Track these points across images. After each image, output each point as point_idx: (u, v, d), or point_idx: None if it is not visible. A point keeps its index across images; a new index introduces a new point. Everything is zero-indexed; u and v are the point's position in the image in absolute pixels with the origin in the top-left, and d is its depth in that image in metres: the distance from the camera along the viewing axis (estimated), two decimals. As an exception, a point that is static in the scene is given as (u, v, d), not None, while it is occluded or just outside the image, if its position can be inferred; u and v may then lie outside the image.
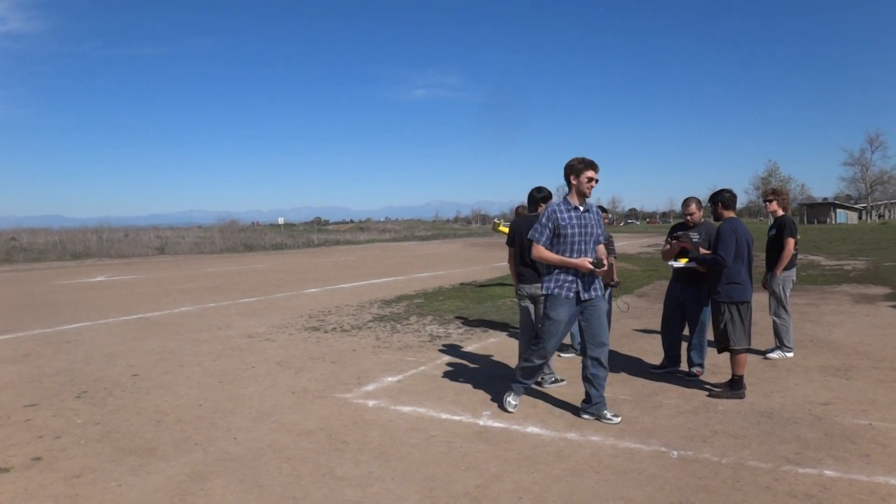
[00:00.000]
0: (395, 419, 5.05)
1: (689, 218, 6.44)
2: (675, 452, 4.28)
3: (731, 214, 5.75)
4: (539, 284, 5.83)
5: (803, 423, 4.82)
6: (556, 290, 4.97)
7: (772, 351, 7.02)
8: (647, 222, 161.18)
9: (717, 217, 5.85)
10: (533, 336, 5.89)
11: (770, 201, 7.05)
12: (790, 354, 6.95)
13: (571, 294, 4.96)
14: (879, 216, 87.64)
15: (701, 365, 6.25)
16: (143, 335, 9.04)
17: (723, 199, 5.72)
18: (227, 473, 4.04)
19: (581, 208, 4.98)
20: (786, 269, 6.93)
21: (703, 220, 6.48)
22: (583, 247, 4.95)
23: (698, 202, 6.48)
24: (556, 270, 4.99)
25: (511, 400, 5.23)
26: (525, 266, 5.93)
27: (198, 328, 9.53)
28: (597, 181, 4.96)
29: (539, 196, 6.05)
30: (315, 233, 59.52)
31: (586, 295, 4.98)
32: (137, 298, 13.99)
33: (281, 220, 58.47)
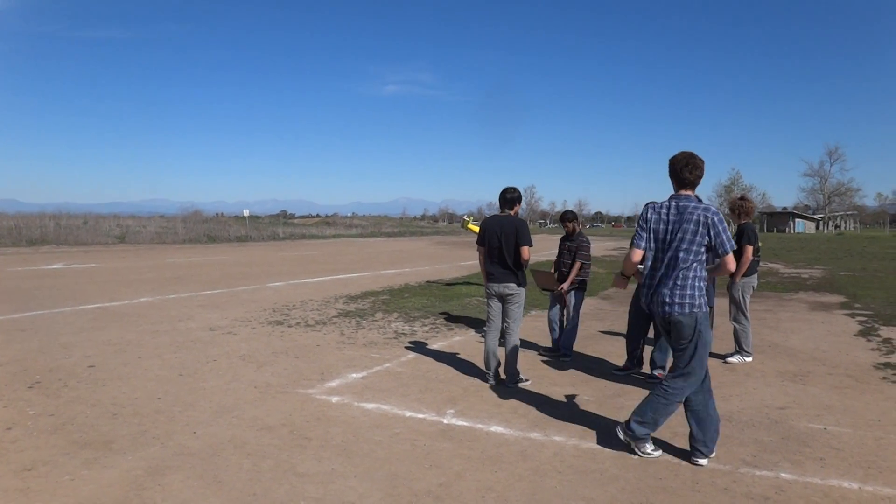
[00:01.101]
0: (358, 416, 5.01)
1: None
2: (637, 453, 4.32)
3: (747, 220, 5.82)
4: (508, 283, 5.87)
5: (761, 426, 4.92)
6: (706, 306, 4.31)
7: (731, 355, 7.16)
8: (613, 226, 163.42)
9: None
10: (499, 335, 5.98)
11: (736, 210, 7.19)
12: (749, 359, 7.11)
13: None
14: (836, 227, 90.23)
15: (663, 367, 6.35)
16: (100, 325, 8.81)
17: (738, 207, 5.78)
18: (186, 468, 3.95)
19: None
20: (746, 275, 7.08)
21: None
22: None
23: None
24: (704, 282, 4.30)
25: (648, 449, 4.30)
26: (494, 265, 5.97)
27: (158, 319, 9.33)
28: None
29: (511, 196, 6.08)
30: (280, 226, 58.84)
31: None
32: (95, 287, 13.63)
33: (246, 213, 57.70)
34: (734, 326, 7.15)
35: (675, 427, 4.73)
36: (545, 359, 7.17)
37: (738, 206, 7.18)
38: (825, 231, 78.90)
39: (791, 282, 16.36)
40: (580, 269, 7.12)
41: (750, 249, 6.95)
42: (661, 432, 4.60)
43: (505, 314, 6.07)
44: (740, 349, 7.14)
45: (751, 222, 7.27)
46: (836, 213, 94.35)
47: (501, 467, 4.06)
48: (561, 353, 7.26)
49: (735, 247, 4.44)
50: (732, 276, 7.05)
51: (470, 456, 4.23)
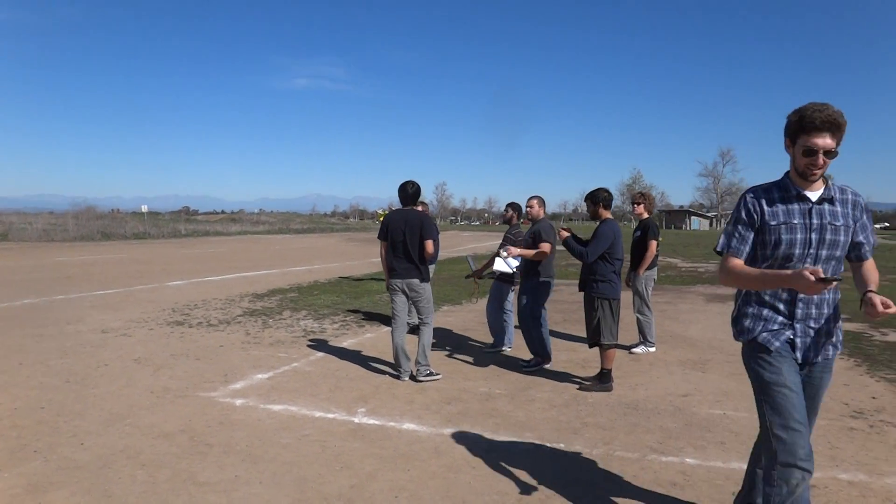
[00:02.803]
0: (264, 419, 4.77)
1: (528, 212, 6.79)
2: (549, 445, 4.34)
3: (609, 215, 5.91)
4: (411, 279, 5.81)
5: (665, 413, 5.06)
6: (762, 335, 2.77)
7: (636, 346, 7.37)
8: (523, 222, 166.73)
9: (595, 216, 5.97)
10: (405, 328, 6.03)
11: (638, 204, 7.40)
12: (653, 349, 7.34)
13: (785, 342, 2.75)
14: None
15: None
16: (-26, 330, 8.04)
17: (602, 199, 5.86)
18: (72, 483, 3.62)
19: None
20: (648, 268, 7.31)
21: (541, 217, 6.69)
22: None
23: (540, 199, 6.77)
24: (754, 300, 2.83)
25: None
26: (398, 259, 5.89)
27: (42, 322, 8.62)
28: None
29: (413, 190, 6.01)
30: (182, 223, 56.30)
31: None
32: (-29, 289, 12.48)
33: (144, 208, 54.84)
34: (638, 318, 7.37)
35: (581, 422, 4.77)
36: (455, 354, 7.13)
37: (642, 201, 7.39)
38: (718, 228, 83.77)
39: (689, 275, 17.16)
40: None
41: (654, 244, 7.19)
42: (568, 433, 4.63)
43: (416, 310, 6.04)
44: (644, 340, 7.36)
45: (653, 218, 7.53)
46: (728, 212, 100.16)
47: (414, 465, 3.96)
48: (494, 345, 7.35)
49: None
50: (636, 269, 7.30)
51: (382, 455, 4.11)
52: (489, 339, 7.52)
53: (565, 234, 5.94)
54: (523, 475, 3.85)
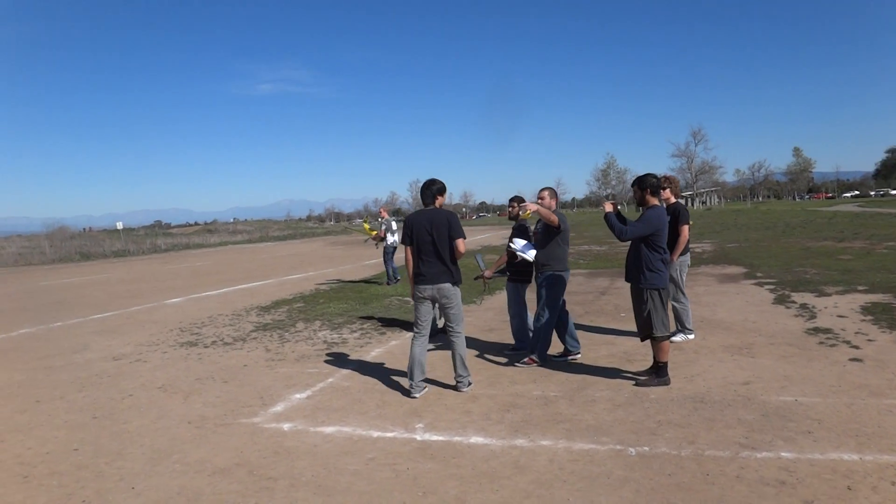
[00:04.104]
0: (320, 444, 4.45)
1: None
2: (633, 449, 4.09)
3: (656, 202, 5.66)
4: (443, 284, 5.43)
5: (736, 404, 4.85)
6: None
7: (674, 334, 7.14)
8: (499, 215, 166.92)
9: (642, 202, 5.70)
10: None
11: (664, 188, 7.15)
12: (692, 336, 7.14)
13: None
14: (703, 203, 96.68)
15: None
16: (-24, 367, 7.56)
17: (650, 184, 5.61)
18: (133, 535, 3.28)
19: None
20: (681, 254, 7.09)
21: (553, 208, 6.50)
22: None
23: (552, 191, 6.56)
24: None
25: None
26: (427, 263, 5.47)
27: (47, 353, 8.15)
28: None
29: (436, 187, 5.62)
30: (160, 237, 55.30)
31: None
32: (-41, 322, 11.88)
33: (119, 225, 53.85)
34: (673, 305, 7.14)
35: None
36: (487, 355, 6.86)
37: (667, 185, 7.14)
38: (694, 207, 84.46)
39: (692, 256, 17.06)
40: (505, 259, 6.86)
41: (686, 228, 6.97)
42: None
43: (446, 318, 5.62)
44: (683, 327, 7.15)
45: (681, 202, 7.31)
46: (702, 190, 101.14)
47: (501, 484, 3.67)
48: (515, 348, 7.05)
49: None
50: (671, 255, 7.07)
51: (461, 476, 3.82)
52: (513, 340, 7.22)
53: (610, 206, 5.72)
54: (619, 484, 3.59)
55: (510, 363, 6.48)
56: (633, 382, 5.55)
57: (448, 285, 5.46)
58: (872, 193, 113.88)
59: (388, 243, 14.26)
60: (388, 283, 13.91)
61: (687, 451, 4.04)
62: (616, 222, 5.53)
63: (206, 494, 3.70)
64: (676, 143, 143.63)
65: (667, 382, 5.45)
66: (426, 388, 5.56)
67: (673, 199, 7.13)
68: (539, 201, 6.40)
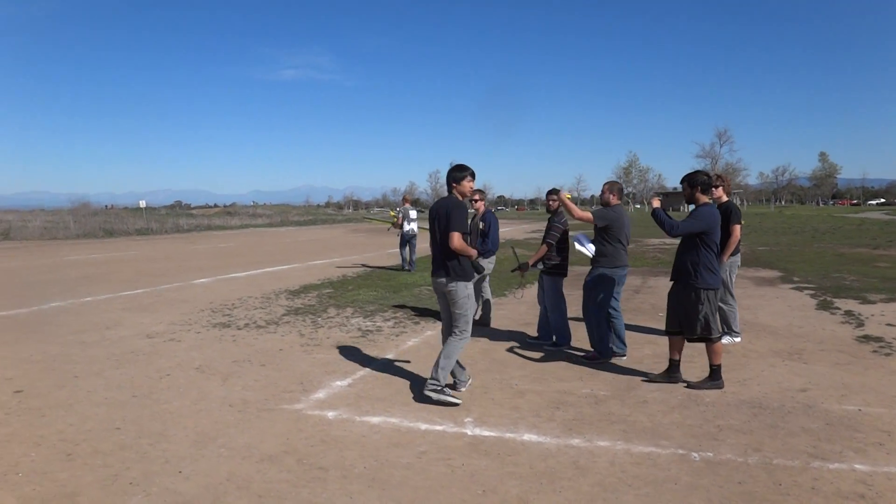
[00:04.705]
0: (368, 434, 4.31)
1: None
2: (696, 455, 3.92)
3: (707, 200, 5.43)
4: (440, 278, 5.05)
5: (797, 412, 4.66)
6: None
7: (721, 337, 6.93)
8: (517, 209, 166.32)
9: (691, 200, 5.49)
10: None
11: (716, 187, 6.93)
12: (738, 339, 6.95)
13: None
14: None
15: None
16: (12, 339, 7.52)
17: (701, 182, 5.41)
18: (185, 521, 3.16)
19: None
20: (732, 254, 6.88)
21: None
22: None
23: (612, 185, 6.42)
24: None
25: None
26: (433, 254, 5.15)
27: (80, 328, 8.11)
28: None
29: (453, 174, 5.13)
30: (181, 217, 55.55)
31: None
32: (-10, 293, 11.91)
33: (142, 203, 54.15)
34: (721, 307, 6.92)
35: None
36: (524, 351, 6.70)
37: (720, 183, 6.92)
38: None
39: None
40: (545, 251, 6.70)
41: (738, 228, 6.77)
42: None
43: (452, 316, 5.16)
44: (729, 330, 6.95)
45: (733, 200, 7.09)
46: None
47: (562, 486, 3.52)
48: (547, 343, 6.89)
49: None
50: (719, 256, 6.87)
51: (520, 474, 3.67)
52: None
53: (657, 202, 5.53)
54: (687, 491, 3.42)
55: (552, 358, 6.32)
56: (685, 385, 5.36)
57: (444, 280, 5.02)
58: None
59: (405, 231, 14.38)
60: (405, 270, 14.29)
61: (754, 458, 3.86)
62: (666, 218, 5.36)
63: (256, 482, 3.57)
64: (701, 143, 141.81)
65: (720, 386, 5.27)
66: (470, 380, 5.40)
67: (725, 198, 6.92)
68: (600, 196, 6.40)
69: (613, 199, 6.29)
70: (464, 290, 5.00)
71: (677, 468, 3.73)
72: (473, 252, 5.05)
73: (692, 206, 5.45)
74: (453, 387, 5.26)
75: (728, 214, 6.76)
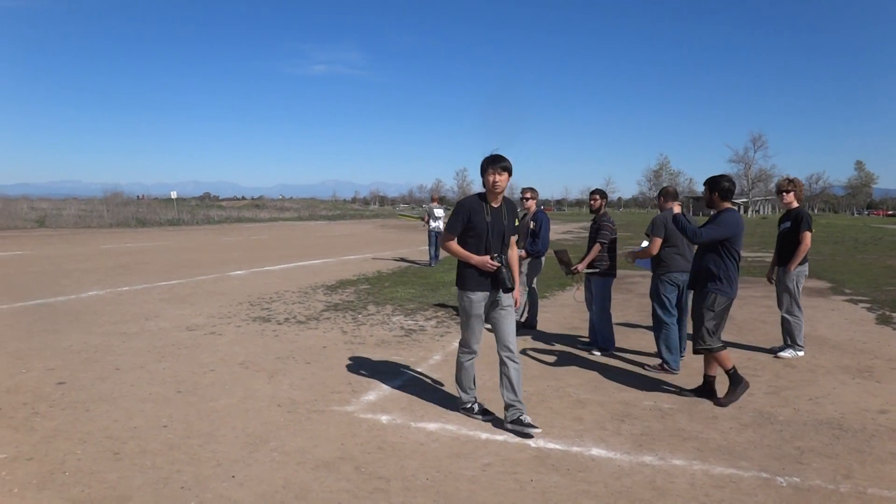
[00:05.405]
0: (426, 442, 4.08)
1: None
2: (782, 479, 3.62)
3: (728, 205, 5.09)
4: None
5: (882, 436, 4.34)
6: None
7: (783, 349, 6.61)
8: (543, 209, 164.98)
9: (710, 205, 5.21)
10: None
11: (788, 192, 6.60)
12: (801, 353, 6.58)
13: None
14: (756, 211, 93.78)
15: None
16: (52, 327, 7.44)
17: (722, 188, 5.07)
18: (244, 531, 2.95)
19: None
20: (799, 264, 6.53)
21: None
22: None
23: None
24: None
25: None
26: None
27: (119, 318, 8.01)
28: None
29: (482, 167, 4.41)
30: (211, 209, 56.02)
31: None
32: (30, 279, 11.95)
33: (174, 195, 54.68)
34: (787, 318, 6.59)
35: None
36: (580, 355, 6.42)
37: (791, 188, 6.59)
38: (750, 216, 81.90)
39: (762, 266, 16.26)
40: (598, 251, 6.52)
41: (809, 236, 6.42)
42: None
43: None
44: (793, 343, 6.60)
45: (804, 207, 6.73)
46: (757, 199, 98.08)
47: (643, 509, 3.24)
48: (596, 347, 6.60)
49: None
50: (786, 265, 6.54)
51: (595, 494, 3.41)
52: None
53: (678, 207, 5.25)
54: (784, 524, 3.12)
55: (605, 365, 6.02)
56: (713, 403, 5.00)
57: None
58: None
59: (430, 228, 15.09)
60: (431, 266, 14.83)
61: (845, 486, 3.55)
62: (688, 224, 5.11)
63: (314, 491, 3.36)
64: (734, 147, 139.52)
65: (746, 386, 5.01)
66: (474, 406, 4.75)
67: (796, 203, 6.57)
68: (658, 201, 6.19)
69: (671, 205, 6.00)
70: (460, 297, 4.44)
71: (763, 494, 3.44)
72: (462, 254, 4.30)
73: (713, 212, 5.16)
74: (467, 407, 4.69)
75: (799, 221, 6.45)
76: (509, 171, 4.28)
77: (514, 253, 4.59)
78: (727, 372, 5.03)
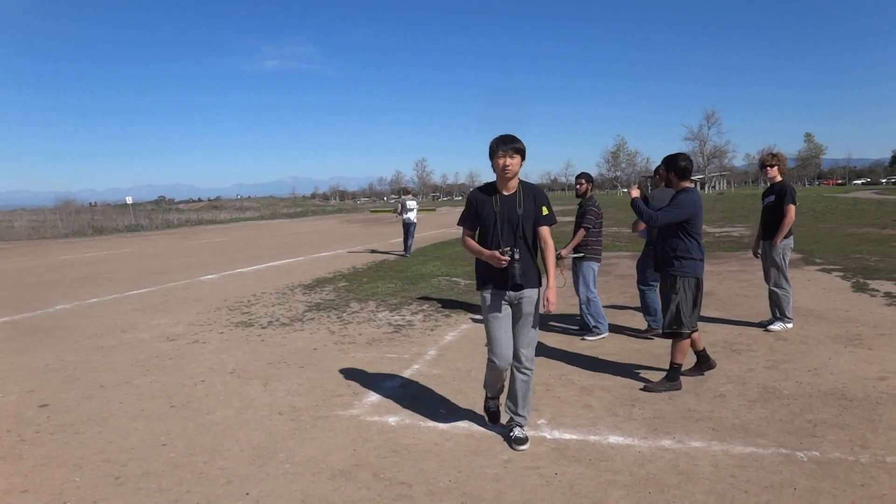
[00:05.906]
0: (440, 441, 3.98)
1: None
2: (802, 454, 3.61)
3: (687, 185, 5.00)
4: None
5: (887, 403, 4.42)
6: None
7: (771, 323, 6.69)
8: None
9: (668, 185, 5.13)
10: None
11: (771, 166, 6.64)
12: (790, 325, 6.66)
13: None
14: (713, 187, 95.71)
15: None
16: (22, 346, 7.08)
17: (679, 168, 4.97)
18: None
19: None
20: (785, 237, 6.59)
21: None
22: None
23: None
24: None
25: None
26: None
27: (93, 332, 7.67)
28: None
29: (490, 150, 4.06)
30: (170, 212, 54.77)
31: None
32: (-12, 296, 11.39)
33: (129, 200, 53.35)
34: (775, 292, 6.65)
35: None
36: (574, 341, 6.40)
37: (775, 163, 6.63)
38: (707, 192, 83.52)
39: (729, 241, 16.57)
40: (583, 236, 6.56)
41: (793, 209, 6.49)
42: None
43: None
44: (782, 315, 6.67)
45: (787, 181, 6.79)
46: (712, 175, 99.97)
47: (674, 494, 3.21)
48: (588, 332, 6.57)
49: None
50: (773, 238, 6.59)
51: (622, 483, 3.35)
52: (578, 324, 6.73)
53: (636, 192, 5.17)
54: (811, 496, 3.13)
55: (600, 349, 5.99)
56: (642, 387, 4.91)
57: None
58: (884, 181, 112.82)
59: (403, 219, 15.77)
60: (405, 256, 15.31)
61: (864, 457, 3.57)
62: (645, 208, 4.98)
63: (335, 503, 3.21)
64: (689, 126, 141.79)
65: (678, 387, 4.84)
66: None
67: (779, 178, 6.62)
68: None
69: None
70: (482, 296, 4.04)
71: (788, 471, 3.43)
72: (475, 249, 3.92)
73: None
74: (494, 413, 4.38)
75: (783, 194, 6.50)
76: (522, 153, 3.79)
77: (547, 246, 3.91)
78: (673, 363, 4.89)
